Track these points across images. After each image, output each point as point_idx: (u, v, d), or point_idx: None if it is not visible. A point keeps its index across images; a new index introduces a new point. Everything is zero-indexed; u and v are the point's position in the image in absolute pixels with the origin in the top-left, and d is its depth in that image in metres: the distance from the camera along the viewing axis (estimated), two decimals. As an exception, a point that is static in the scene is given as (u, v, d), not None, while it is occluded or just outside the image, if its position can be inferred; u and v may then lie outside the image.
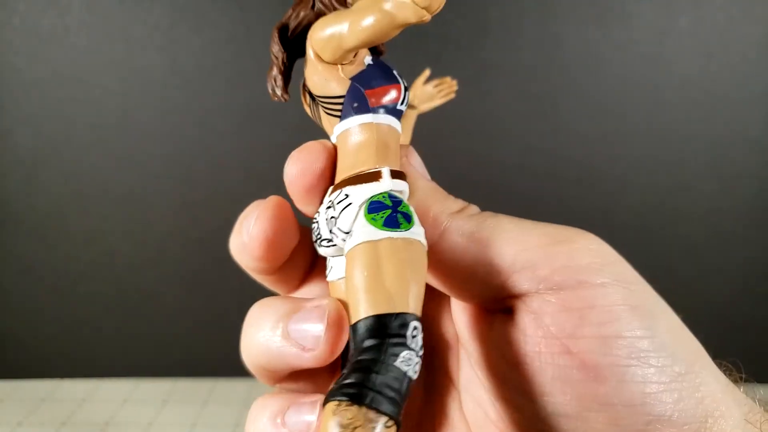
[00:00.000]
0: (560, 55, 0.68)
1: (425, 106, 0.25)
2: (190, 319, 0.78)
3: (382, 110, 0.20)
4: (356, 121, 0.20)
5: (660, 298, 0.17)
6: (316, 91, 0.21)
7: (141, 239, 0.76)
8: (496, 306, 0.19)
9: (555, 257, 0.17)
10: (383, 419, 0.15)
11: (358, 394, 0.15)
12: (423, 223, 0.18)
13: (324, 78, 0.20)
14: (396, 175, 0.19)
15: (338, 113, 0.20)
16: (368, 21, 0.18)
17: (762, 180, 0.73)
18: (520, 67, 0.69)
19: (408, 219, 0.18)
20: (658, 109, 0.71)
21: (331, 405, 0.15)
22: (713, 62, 0.69)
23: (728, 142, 0.72)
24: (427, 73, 0.24)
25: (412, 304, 0.16)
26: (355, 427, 0.14)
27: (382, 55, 0.21)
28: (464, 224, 0.19)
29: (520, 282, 0.17)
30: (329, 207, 0.19)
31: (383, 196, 0.18)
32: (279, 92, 0.22)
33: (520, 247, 0.17)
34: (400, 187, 0.19)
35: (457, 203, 0.20)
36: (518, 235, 0.18)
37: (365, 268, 0.17)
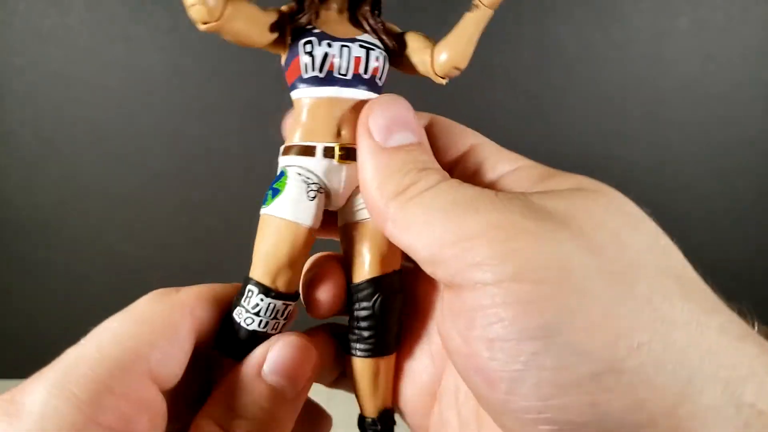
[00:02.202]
0: (559, 55, 0.68)
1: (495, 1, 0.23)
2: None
3: (296, 86, 0.21)
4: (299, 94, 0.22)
5: (584, 288, 0.15)
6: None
7: (141, 239, 0.76)
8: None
9: (459, 257, 0.16)
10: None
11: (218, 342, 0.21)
12: (369, 208, 0.19)
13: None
14: (287, 151, 0.21)
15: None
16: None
17: (761, 180, 0.73)
18: (519, 67, 0.69)
19: (274, 194, 0.20)
20: (657, 109, 0.71)
21: None
22: (712, 62, 0.69)
23: (727, 142, 0.72)
24: None
25: (255, 271, 0.20)
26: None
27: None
28: (396, 214, 0.18)
29: (438, 274, 0.17)
30: None
31: (279, 173, 0.21)
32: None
33: (439, 243, 0.17)
34: (289, 162, 0.21)
35: (403, 180, 0.18)
36: (440, 228, 0.17)
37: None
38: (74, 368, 0.17)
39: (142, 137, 0.72)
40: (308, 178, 0.21)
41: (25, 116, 0.71)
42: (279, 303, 0.20)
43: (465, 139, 0.22)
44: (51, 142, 0.72)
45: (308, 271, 0.22)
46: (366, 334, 0.21)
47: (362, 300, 0.21)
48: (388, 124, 0.19)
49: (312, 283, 0.22)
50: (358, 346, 0.21)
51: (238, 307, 0.20)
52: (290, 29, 0.21)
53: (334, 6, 0.21)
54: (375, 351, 0.21)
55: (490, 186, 0.20)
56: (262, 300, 0.20)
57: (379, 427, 0.22)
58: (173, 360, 0.19)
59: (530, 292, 0.15)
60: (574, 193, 0.18)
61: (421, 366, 0.23)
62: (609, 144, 0.71)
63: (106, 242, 0.76)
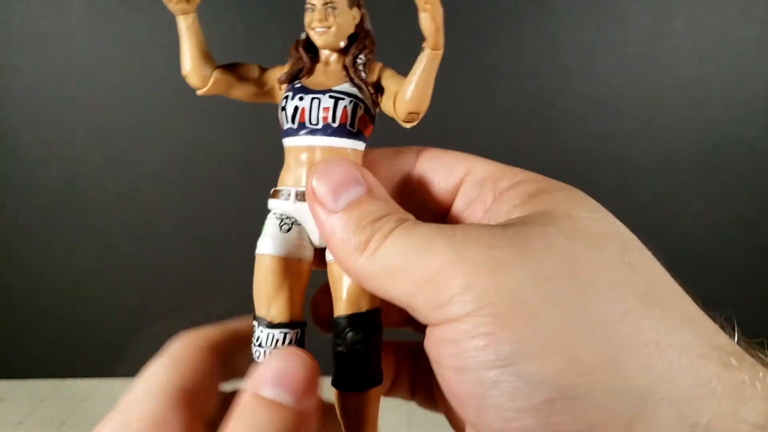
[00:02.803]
0: (557, 56, 0.69)
1: (430, 33, 0.23)
2: (189, 319, 0.78)
3: (283, 135, 0.24)
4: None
5: (536, 317, 0.16)
6: None
7: (141, 239, 0.77)
8: None
9: (424, 300, 0.17)
10: None
11: None
12: (344, 269, 0.20)
13: None
14: (271, 195, 0.24)
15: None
16: None
17: (758, 180, 0.73)
18: (517, 68, 0.69)
19: (260, 237, 0.23)
20: (655, 109, 0.71)
21: None
22: (709, 63, 0.69)
23: (724, 143, 0.72)
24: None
25: (256, 309, 0.22)
26: None
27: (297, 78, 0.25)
28: (366, 272, 0.19)
29: (415, 315, 0.18)
30: None
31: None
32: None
33: (407, 290, 0.18)
34: (270, 205, 0.23)
35: (360, 238, 0.19)
36: (404, 275, 0.18)
37: None
38: (131, 410, 0.19)
39: (142, 137, 0.73)
40: (282, 215, 0.23)
41: (25, 116, 0.72)
42: (276, 332, 0.22)
43: (460, 164, 0.23)
44: (51, 143, 0.72)
45: (315, 294, 0.25)
46: (340, 368, 0.22)
47: (336, 335, 0.22)
48: (332, 188, 0.20)
49: (315, 304, 0.25)
50: (336, 377, 0.22)
51: (252, 343, 0.22)
52: (280, 85, 0.24)
53: (323, 60, 0.24)
54: (349, 385, 0.22)
55: (491, 206, 0.21)
56: (261, 332, 0.22)
57: None
58: (211, 399, 0.21)
59: (488, 324, 0.16)
60: (539, 218, 0.18)
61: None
62: (606, 144, 0.71)
63: (106, 242, 0.76)
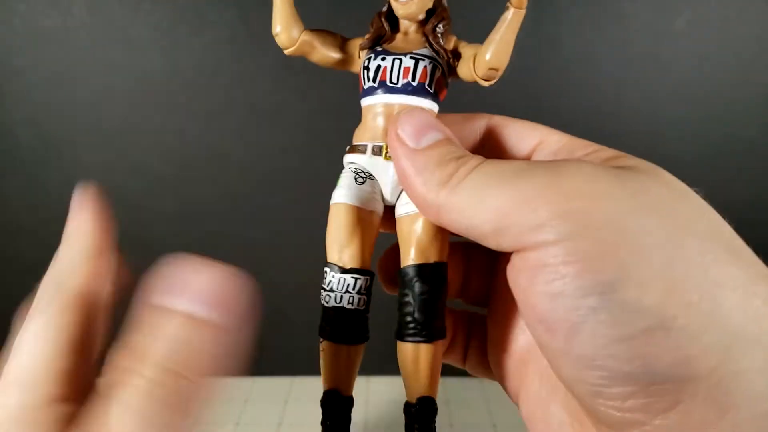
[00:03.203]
0: (556, 55, 0.69)
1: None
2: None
3: (361, 96, 0.25)
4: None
5: (639, 247, 0.16)
6: None
7: (141, 239, 0.77)
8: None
9: (517, 223, 0.17)
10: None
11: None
12: (415, 202, 0.21)
13: None
14: (347, 151, 0.25)
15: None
16: None
17: (758, 181, 0.73)
18: (516, 67, 0.69)
19: (335, 188, 0.24)
20: (654, 109, 0.71)
21: None
22: (709, 63, 0.69)
23: (724, 142, 0.72)
24: None
25: (327, 255, 0.23)
26: None
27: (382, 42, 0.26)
28: (449, 202, 0.19)
29: (503, 245, 0.18)
30: None
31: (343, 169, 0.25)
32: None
33: (495, 216, 0.18)
34: (347, 160, 0.25)
35: (444, 172, 0.20)
36: (493, 201, 0.18)
37: None
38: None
39: (143, 138, 0.73)
40: (357, 169, 0.24)
41: (25, 116, 0.72)
42: (347, 277, 0.22)
43: (533, 133, 0.25)
44: (51, 143, 0.73)
45: (383, 256, 0.26)
46: (407, 318, 0.23)
47: (404, 285, 0.23)
48: (415, 129, 0.21)
49: (381, 264, 0.26)
50: (400, 329, 0.23)
51: (322, 288, 0.23)
52: (360, 52, 0.25)
53: (402, 30, 0.26)
54: (413, 335, 0.23)
55: None
56: (333, 277, 0.23)
57: (414, 411, 0.23)
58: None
59: (589, 250, 0.16)
60: (627, 167, 0.19)
61: (512, 336, 0.24)
62: (606, 144, 0.71)
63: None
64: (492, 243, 0.19)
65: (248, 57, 0.69)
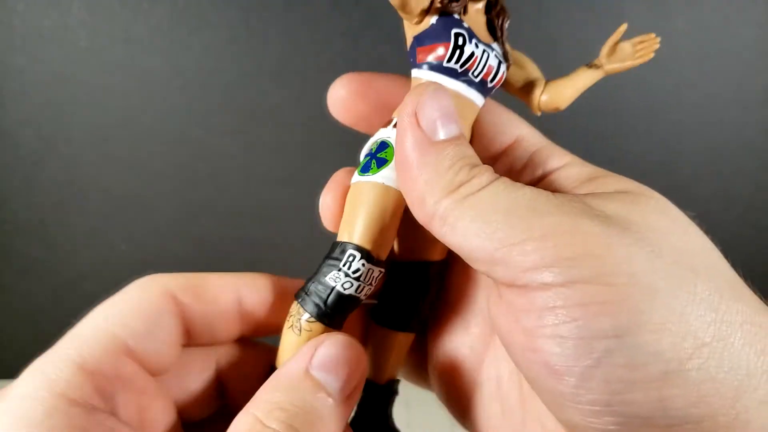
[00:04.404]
0: (556, 56, 0.69)
1: (615, 67, 0.24)
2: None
3: (425, 66, 0.21)
4: (412, 74, 0.22)
5: (653, 291, 0.16)
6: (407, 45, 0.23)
7: (141, 239, 0.77)
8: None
9: (527, 257, 0.16)
10: (305, 315, 0.21)
11: (297, 294, 0.21)
12: (408, 198, 0.19)
13: (406, 36, 0.22)
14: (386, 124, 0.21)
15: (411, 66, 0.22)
16: None
17: (758, 181, 0.73)
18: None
19: (380, 163, 0.21)
20: (654, 109, 0.71)
21: (290, 311, 0.22)
22: (709, 63, 0.69)
23: (724, 143, 0.72)
24: (622, 29, 0.24)
25: (355, 236, 0.20)
26: (290, 315, 0.21)
27: (452, 14, 0.21)
28: (448, 213, 0.18)
29: (496, 274, 0.17)
30: None
31: (376, 143, 0.21)
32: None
33: (497, 243, 0.17)
34: (386, 135, 0.21)
35: (456, 177, 0.18)
36: (499, 227, 0.17)
37: (345, 205, 0.21)
38: (52, 351, 0.19)
39: (142, 137, 0.73)
40: None
41: (25, 116, 0.72)
42: (377, 270, 0.21)
43: (512, 128, 0.23)
44: (51, 142, 0.73)
45: None
46: (392, 306, 0.23)
47: (394, 275, 0.23)
48: (437, 116, 0.19)
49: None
50: (383, 316, 0.23)
51: (334, 272, 0.20)
52: (439, 10, 0.21)
53: (480, 6, 0.22)
54: (395, 324, 0.23)
55: (538, 183, 0.21)
56: (363, 265, 0.20)
57: (384, 392, 0.23)
58: (155, 341, 0.20)
59: (603, 294, 0.16)
60: (625, 196, 0.18)
61: (460, 356, 0.23)
62: (605, 144, 0.71)
63: (106, 242, 0.76)
64: (482, 268, 0.18)
65: (248, 57, 0.69)
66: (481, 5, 0.22)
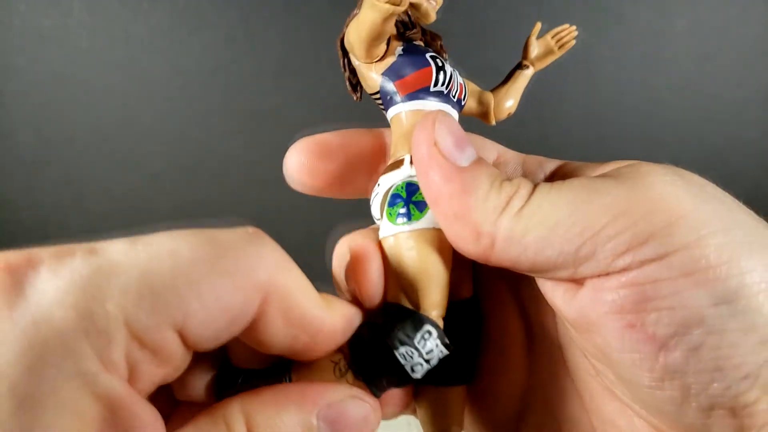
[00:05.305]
0: (559, 56, 0.69)
1: (542, 63, 0.25)
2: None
3: (410, 97, 0.20)
4: (391, 113, 0.21)
5: (752, 244, 0.15)
6: (367, 90, 0.22)
7: (141, 239, 0.77)
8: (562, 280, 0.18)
9: (617, 240, 0.16)
10: (355, 372, 0.18)
11: (351, 342, 0.18)
12: (458, 234, 0.17)
13: (365, 77, 0.21)
14: (390, 166, 0.20)
15: (383, 107, 0.21)
16: (361, 18, 0.19)
17: (758, 181, 0.73)
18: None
19: (421, 207, 0.18)
20: (654, 109, 0.71)
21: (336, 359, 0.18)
22: (710, 64, 0.69)
23: (724, 143, 0.72)
24: (537, 27, 0.24)
25: (431, 306, 0.18)
26: (342, 355, 0.18)
27: (414, 41, 0.21)
28: (512, 231, 0.16)
29: (584, 272, 0.16)
30: (374, 192, 0.21)
31: (401, 187, 0.19)
32: (351, 93, 0.23)
33: (578, 240, 0.16)
34: (402, 175, 0.19)
35: (501, 195, 0.17)
36: (574, 224, 0.16)
37: (390, 261, 0.19)
38: (101, 278, 0.15)
39: (142, 138, 0.73)
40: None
41: (25, 116, 0.72)
42: (444, 351, 0.18)
43: (491, 149, 0.22)
44: (51, 142, 0.73)
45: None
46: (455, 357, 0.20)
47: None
48: (455, 141, 0.18)
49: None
50: (445, 372, 0.20)
51: (406, 347, 0.17)
52: (401, 41, 0.20)
53: (418, 36, 0.22)
54: (462, 377, 0.21)
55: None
56: (437, 346, 0.18)
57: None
58: (209, 315, 0.15)
59: (705, 258, 0.15)
60: (652, 165, 0.18)
61: (498, 394, 0.22)
62: (606, 144, 0.71)
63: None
64: (566, 274, 0.17)
65: (248, 57, 0.69)
66: (419, 35, 0.22)
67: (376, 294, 0.19)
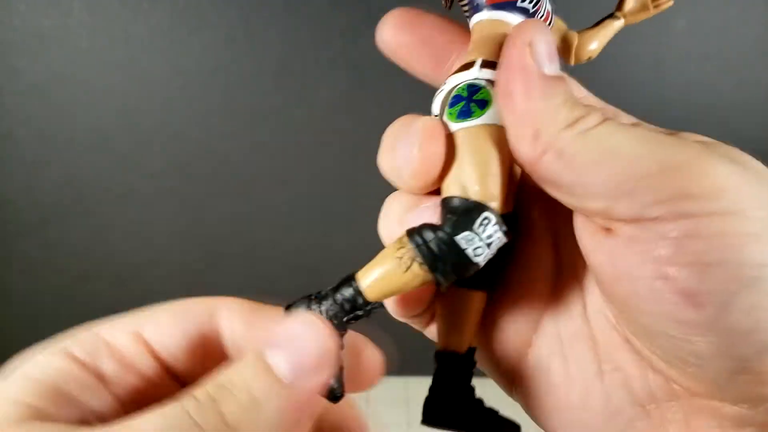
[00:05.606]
0: (559, 56, 0.69)
1: (635, 18, 0.24)
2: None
3: (496, 7, 0.21)
4: (475, 19, 0.21)
5: None
6: None
7: (141, 239, 0.77)
8: (599, 221, 0.18)
9: (659, 189, 0.16)
10: (421, 262, 0.18)
11: (411, 233, 0.18)
12: (518, 131, 0.18)
13: None
14: (487, 65, 0.20)
15: (467, 14, 0.22)
16: None
17: (759, 180, 0.73)
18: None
19: (482, 105, 0.19)
20: (655, 110, 0.71)
21: (400, 242, 0.19)
22: (710, 63, 0.69)
23: (724, 143, 0.72)
24: None
25: (490, 194, 0.19)
26: (403, 246, 0.18)
27: None
28: (568, 146, 0.17)
29: (617, 210, 0.17)
30: (439, 89, 0.21)
31: (463, 88, 0.20)
32: (444, 1, 0.23)
33: (623, 176, 0.16)
34: (488, 75, 0.20)
35: (572, 113, 0.18)
36: (625, 160, 0.17)
37: (452, 155, 0.19)
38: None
39: (142, 137, 0.73)
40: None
41: (25, 116, 0.72)
42: (504, 237, 0.19)
43: (578, 89, 0.23)
44: (51, 142, 0.73)
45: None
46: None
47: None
48: (548, 51, 0.18)
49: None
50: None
51: (467, 232, 0.18)
52: None
53: None
54: (479, 282, 0.21)
55: None
56: (496, 231, 0.18)
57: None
58: (165, 322, 0.19)
59: (747, 225, 0.16)
60: (722, 144, 0.19)
61: (513, 316, 0.22)
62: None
63: (106, 242, 0.76)
64: (599, 204, 0.17)
65: (248, 57, 0.69)
66: None
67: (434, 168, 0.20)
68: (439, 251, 0.18)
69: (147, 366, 0.18)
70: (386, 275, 0.19)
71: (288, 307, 0.19)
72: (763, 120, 0.71)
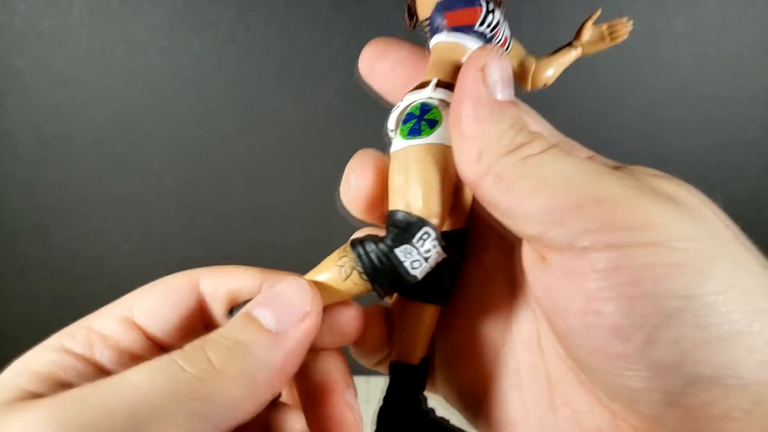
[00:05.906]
0: (558, 56, 0.69)
1: (592, 48, 0.25)
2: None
3: (453, 30, 0.21)
4: (433, 41, 0.22)
5: (732, 252, 0.16)
6: (420, 17, 0.23)
7: (141, 239, 0.77)
8: (536, 248, 0.19)
9: (590, 219, 0.16)
10: (360, 270, 0.19)
11: (354, 243, 0.20)
12: (463, 153, 0.18)
13: (423, 4, 0.22)
14: (442, 85, 0.21)
15: (429, 34, 0.22)
16: None
17: (759, 181, 0.73)
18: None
19: (432, 124, 0.20)
20: (653, 110, 0.71)
21: (343, 250, 0.20)
22: (709, 63, 0.69)
23: (723, 143, 0.72)
24: (597, 13, 0.25)
25: (429, 209, 0.19)
26: (345, 255, 0.20)
27: None
28: (508, 170, 0.17)
29: (550, 236, 0.17)
30: (396, 106, 0.22)
31: (416, 106, 0.20)
32: (407, 21, 0.23)
33: (557, 204, 0.17)
34: (441, 95, 0.20)
35: (516, 138, 0.18)
36: (561, 189, 0.17)
37: (393, 173, 0.20)
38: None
39: (142, 138, 0.73)
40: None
41: (25, 116, 0.72)
42: (442, 254, 0.19)
43: (530, 122, 0.23)
44: (51, 142, 0.73)
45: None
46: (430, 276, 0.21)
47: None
48: (502, 77, 0.19)
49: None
50: (417, 288, 0.21)
51: (406, 245, 0.19)
52: None
53: None
54: (431, 296, 0.22)
55: None
56: (434, 247, 0.19)
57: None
58: (152, 302, 0.21)
59: (669, 256, 0.16)
60: (666, 180, 0.19)
61: (475, 345, 0.23)
62: (605, 145, 0.71)
63: (106, 242, 0.76)
64: (534, 231, 0.17)
65: (248, 57, 0.69)
66: None
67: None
68: (378, 262, 0.19)
69: (143, 348, 0.19)
70: (327, 282, 0.20)
71: (230, 312, 0.20)
72: (763, 120, 0.71)
